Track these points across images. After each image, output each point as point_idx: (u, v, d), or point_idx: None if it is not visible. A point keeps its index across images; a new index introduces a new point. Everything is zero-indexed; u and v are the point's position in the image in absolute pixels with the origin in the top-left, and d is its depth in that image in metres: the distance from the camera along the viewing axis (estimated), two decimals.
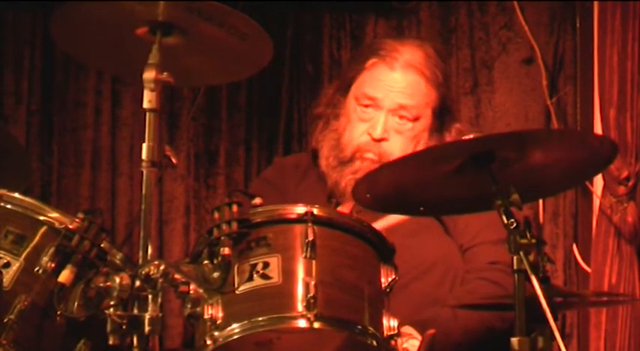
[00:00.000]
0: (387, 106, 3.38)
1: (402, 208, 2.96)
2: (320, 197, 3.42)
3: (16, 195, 2.78)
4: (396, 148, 3.36)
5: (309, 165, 3.57)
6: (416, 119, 3.39)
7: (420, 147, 3.35)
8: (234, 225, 2.60)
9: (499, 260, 3.24)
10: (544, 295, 2.51)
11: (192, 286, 2.62)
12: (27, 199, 2.78)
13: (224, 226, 2.60)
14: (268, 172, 3.71)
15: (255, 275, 2.62)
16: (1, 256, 2.70)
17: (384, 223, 3.14)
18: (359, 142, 3.40)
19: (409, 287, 3.21)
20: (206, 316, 2.61)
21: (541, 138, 2.77)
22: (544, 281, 2.57)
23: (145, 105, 2.73)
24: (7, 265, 2.69)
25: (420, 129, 3.40)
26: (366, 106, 3.40)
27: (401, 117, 3.38)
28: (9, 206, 2.76)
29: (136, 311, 2.59)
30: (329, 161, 3.45)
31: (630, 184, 4.33)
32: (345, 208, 3.34)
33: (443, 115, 3.45)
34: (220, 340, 2.60)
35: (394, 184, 2.79)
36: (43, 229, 2.73)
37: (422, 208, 2.91)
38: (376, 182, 2.79)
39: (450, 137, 3.41)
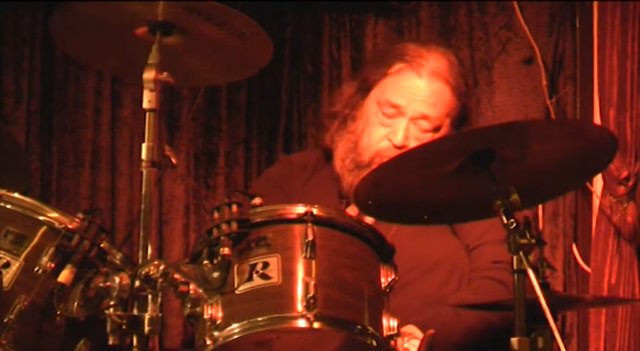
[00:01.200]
0: (409, 113, 3.37)
1: (405, 215, 2.93)
2: (331, 195, 3.41)
3: (16, 195, 2.78)
4: None
5: (318, 163, 3.56)
6: (436, 129, 3.39)
7: None
8: (234, 225, 2.60)
9: (503, 259, 3.23)
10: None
11: (192, 286, 2.62)
12: (27, 199, 2.78)
13: (224, 226, 2.60)
14: (274, 170, 3.70)
15: (254, 275, 2.62)
16: (1, 256, 2.70)
17: None
18: (379, 147, 3.39)
19: (412, 286, 3.22)
20: (206, 316, 2.61)
21: (540, 130, 2.74)
22: (544, 287, 2.56)
23: (145, 105, 2.73)
24: (7, 265, 2.69)
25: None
26: (389, 115, 3.38)
27: (422, 128, 3.37)
28: (9, 206, 2.76)
29: (135, 311, 2.59)
30: (345, 163, 3.44)
31: (630, 184, 4.33)
32: (354, 209, 3.33)
33: (460, 123, 3.44)
34: (220, 340, 2.60)
35: (395, 189, 2.78)
36: (43, 229, 2.73)
37: (426, 217, 2.90)
38: (377, 188, 2.78)
39: None
